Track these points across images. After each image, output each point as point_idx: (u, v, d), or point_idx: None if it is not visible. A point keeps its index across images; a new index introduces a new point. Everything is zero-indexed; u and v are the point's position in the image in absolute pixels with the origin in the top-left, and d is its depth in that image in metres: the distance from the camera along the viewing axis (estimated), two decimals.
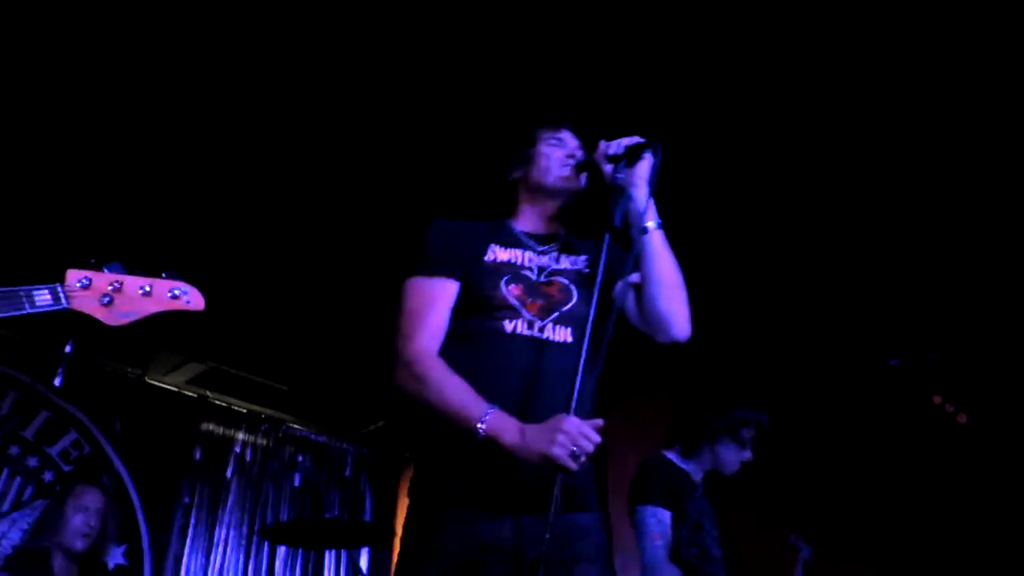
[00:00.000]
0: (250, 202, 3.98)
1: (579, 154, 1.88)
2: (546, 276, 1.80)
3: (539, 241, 1.88)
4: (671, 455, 2.89)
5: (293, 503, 5.74)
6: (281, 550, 5.50)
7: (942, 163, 3.47)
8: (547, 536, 1.39)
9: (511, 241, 1.85)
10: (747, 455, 2.90)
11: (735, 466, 2.88)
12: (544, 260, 1.84)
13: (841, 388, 4.51)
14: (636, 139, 1.75)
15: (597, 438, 1.46)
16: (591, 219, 1.91)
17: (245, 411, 5.77)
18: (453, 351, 1.69)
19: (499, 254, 1.81)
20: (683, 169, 2.82)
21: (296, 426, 5.99)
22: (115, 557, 4.36)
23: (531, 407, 1.58)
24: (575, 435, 1.43)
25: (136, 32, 3.03)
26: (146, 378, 5.34)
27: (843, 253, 4.02)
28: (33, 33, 3.00)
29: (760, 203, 3.81)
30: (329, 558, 5.69)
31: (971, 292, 4.05)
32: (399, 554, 1.61)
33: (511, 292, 1.73)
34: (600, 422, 1.47)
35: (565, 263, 1.86)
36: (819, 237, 3.96)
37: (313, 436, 6.02)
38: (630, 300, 1.81)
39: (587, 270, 1.86)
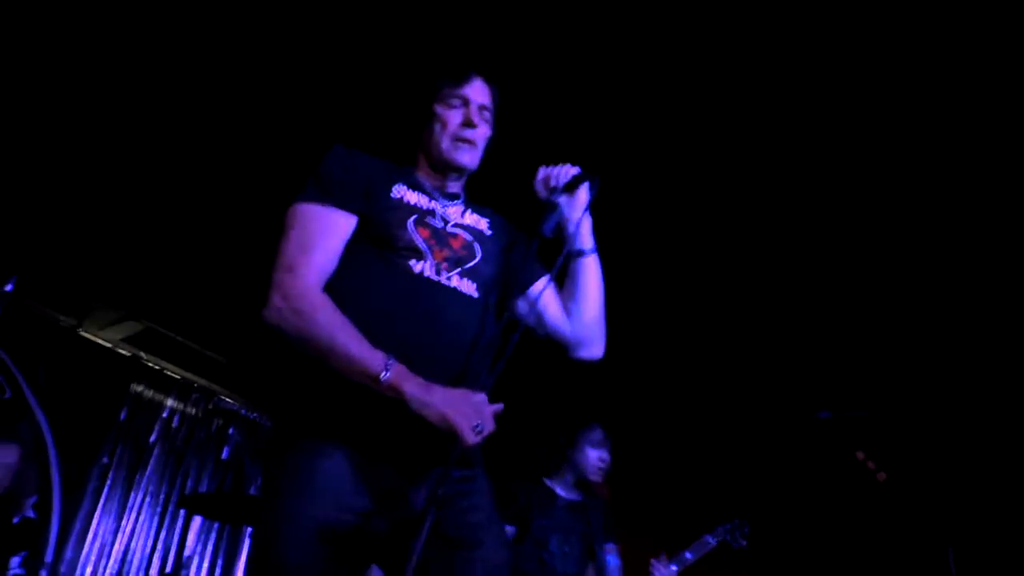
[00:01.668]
0: (213, 164, 3.91)
1: (478, 122, 1.76)
2: (451, 227, 1.72)
3: (443, 195, 1.78)
4: (545, 477, 3.24)
5: (215, 477, 5.62)
6: (196, 522, 5.38)
7: (873, 222, 3.61)
8: (439, 491, 1.34)
9: (417, 186, 1.74)
10: (602, 455, 3.21)
11: (596, 468, 3.18)
12: (449, 212, 1.74)
13: (774, 434, 4.63)
14: (576, 171, 1.78)
15: (492, 425, 1.42)
16: (489, 190, 1.92)
17: (178, 377, 5.63)
18: (345, 283, 1.55)
19: (406, 194, 1.69)
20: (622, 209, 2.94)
21: (228, 399, 5.87)
22: (24, 509, 4.20)
23: (424, 352, 1.51)
24: (484, 414, 1.40)
25: None
26: (79, 330, 5.17)
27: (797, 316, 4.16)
28: None
29: (701, 252, 3.90)
30: (247, 535, 5.59)
31: (907, 358, 4.20)
32: (265, 501, 1.48)
33: (419, 234, 1.63)
34: (500, 407, 1.44)
35: (469, 219, 1.78)
36: (777, 296, 4.08)
37: (244, 411, 5.90)
38: (536, 309, 1.79)
39: (489, 232, 1.79)
